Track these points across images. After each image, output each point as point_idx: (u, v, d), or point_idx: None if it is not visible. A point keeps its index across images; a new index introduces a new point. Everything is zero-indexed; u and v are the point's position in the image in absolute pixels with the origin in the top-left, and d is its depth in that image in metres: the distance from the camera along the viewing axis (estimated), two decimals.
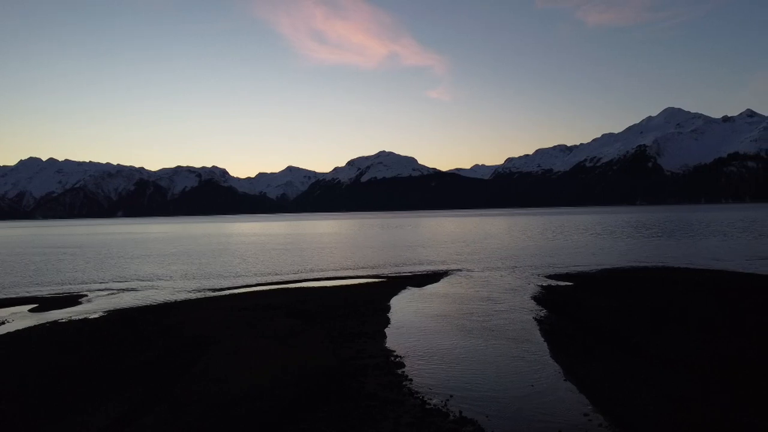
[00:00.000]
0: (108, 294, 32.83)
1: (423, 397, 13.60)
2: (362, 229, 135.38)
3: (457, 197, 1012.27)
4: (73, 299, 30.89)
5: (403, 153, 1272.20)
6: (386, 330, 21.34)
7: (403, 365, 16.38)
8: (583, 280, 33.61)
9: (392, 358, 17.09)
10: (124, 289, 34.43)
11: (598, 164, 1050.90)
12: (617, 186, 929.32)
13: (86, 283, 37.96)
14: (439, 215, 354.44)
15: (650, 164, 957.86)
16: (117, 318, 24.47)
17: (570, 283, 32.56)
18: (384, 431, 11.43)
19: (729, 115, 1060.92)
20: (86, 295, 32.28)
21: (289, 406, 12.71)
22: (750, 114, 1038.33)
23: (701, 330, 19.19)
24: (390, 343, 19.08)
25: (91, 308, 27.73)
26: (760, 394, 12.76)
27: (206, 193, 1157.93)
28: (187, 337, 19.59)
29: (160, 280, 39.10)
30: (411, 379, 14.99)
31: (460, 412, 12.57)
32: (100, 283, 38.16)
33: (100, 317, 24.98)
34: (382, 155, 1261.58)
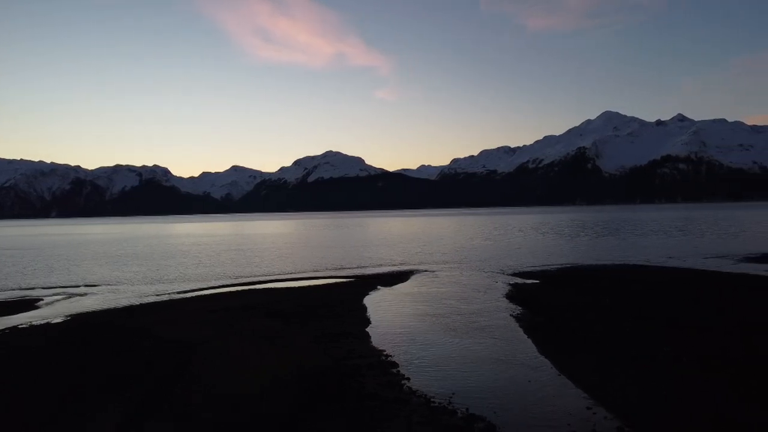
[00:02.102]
0: (66, 298, 31.36)
1: (425, 395, 13.66)
2: (314, 230, 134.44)
3: (403, 197, 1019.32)
4: (28, 303, 29.35)
5: (350, 153, 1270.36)
6: (368, 330, 21.30)
7: (396, 365, 16.39)
8: (547, 278, 34.49)
9: (383, 358, 17.08)
10: (81, 293, 32.97)
11: (540, 165, 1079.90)
12: (558, 186, 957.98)
13: (37, 288, 36.13)
14: (387, 215, 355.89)
15: (589, 165, 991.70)
16: (84, 322, 23.41)
17: (536, 281, 33.36)
18: (399, 430, 11.42)
19: (662, 119, 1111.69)
20: (42, 299, 30.71)
21: (297, 408, 12.51)
22: (681, 118, 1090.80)
23: (672, 326, 20.07)
24: (377, 343, 19.05)
25: (52, 313, 26.42)
26: (741, 383, 13.46)
27: (147, 192, 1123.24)
28: (168, 341, 18.95)
29: (118, 283, 37.67)
30: (408, 378, 15.02)
31: (467, 409, 12.70)
32: (54, 287, 36.38)
33: (65, 322, 23.85)
34: (329, 155, 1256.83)
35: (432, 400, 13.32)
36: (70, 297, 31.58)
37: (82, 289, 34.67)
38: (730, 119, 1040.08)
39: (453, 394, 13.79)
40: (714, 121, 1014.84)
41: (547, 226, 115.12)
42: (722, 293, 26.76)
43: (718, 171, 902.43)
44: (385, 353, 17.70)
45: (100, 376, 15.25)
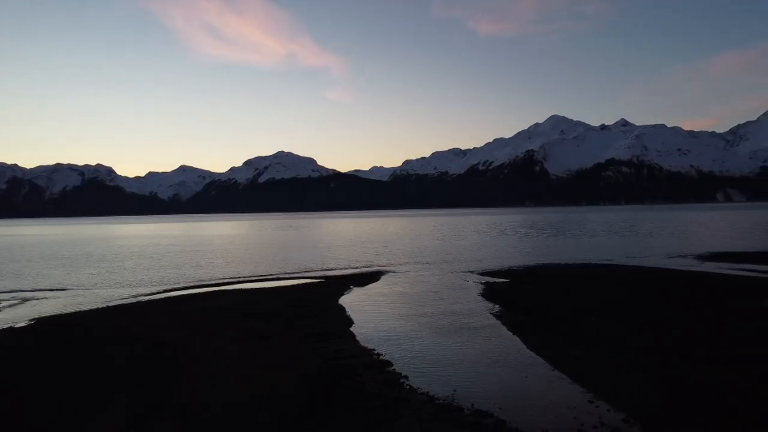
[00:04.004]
0: (23, 301, 29.88)
1: (427, 393, 13.68)
2: (269, 231, 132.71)
3: (356, 198, 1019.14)
4: None
5: (302, 154, 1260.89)
6: (353, 330, 21.17)
7: (390, 364, 16.36)
8: (515, 277, 35.12)
9: (376, 357, 17.02)
10: (40, 297, 31.49)
11: (490, 167, 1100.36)
12: (508, 188, 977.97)
13: None
14: (340, 216, 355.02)
15: (538, 168, 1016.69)
16: (54, 325, 22.37)
17: (506, 280, 33.91)
18: (411, 428, 11.40)
19: (606, 124, 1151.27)
20: None
21: (303, 408, 12.32)
22: (624, 123, 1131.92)
23: (648, 321, 20.80)
24: (365, 343, 18.96)
25: (13, 317, 25.12)
26: (731, 374, 14.08)
27: (90, 192, 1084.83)
28: (150, 343, 18.32)
29: (76, 286, 36.18)
30: (406, 377, 15.01)
31: (473, 405, 12.81)
32: (6, 291, 34.65)
33: (30, 326, 22.72)
34: (281, 155, 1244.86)
35: (435, 398, 13.36)
36: (27, 301, 30.10)
37: (40, 294, 33.08)
38: (669, 125, 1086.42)
39: (454, 391, 13.87)
40: (654, 126, 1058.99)
41: (502, 227, 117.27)
42: (691, 290, 27.89)
43: (658, 174, 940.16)
44: (375, 352, 17.64)
45: (89, 378, 14.60)
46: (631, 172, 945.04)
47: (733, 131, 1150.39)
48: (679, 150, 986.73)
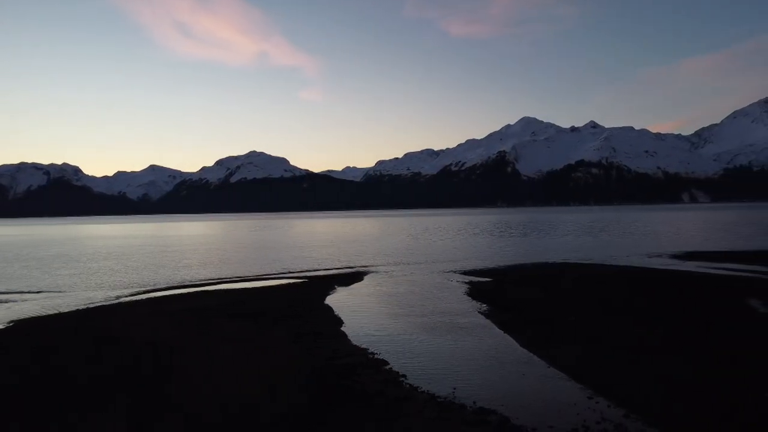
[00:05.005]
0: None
1: (428, 391, 13.71)
2: (244, 231, 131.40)
3: (329, 199, 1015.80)
4: None
5: (274, 153, 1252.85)
6: (343, 329, 21.10)
7: (386, 363, 16.35)
8: (498, 276, 35.41)
9: (371, 357, 16.99)
10: (16, 300, 30.62)
11: (462, 168, 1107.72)
12: (480, 189, 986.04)
13: None
14: (313, 216, 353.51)
15: (509, 169, 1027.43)
16: (34, 326, 21.78)
17: (489, 279, 34.18)
18: (418, 426, 11.41)
19: (576, 126, 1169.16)
20: None
21: (308, 409, 12.23)
22: (593, 125, 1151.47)
23: (636, 317, 21.20)
24: (357, 342, 18.91)
25: None
26: (721, 366, 14.44)
27: (56, 192, 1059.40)
28: (141, 344, 17.95)
29: (53, 288, 35.29)
30: (405, 376, 15.02)
31: (475, 403, 12.89)
32: None
33: (8, 328, 22.07)
34: (253, 155, 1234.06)
35: (436, 396, 13.40)
36: (2, 303, 29.24)
37: (16, 296, 32.12)
38: (636, 127, 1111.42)
39: (454, 389, 13.93)
40: (622, 128, 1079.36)
41: (477, 227, 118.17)
42: (679, 289, 28.49)
43: (626, 175, 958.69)
44: (369, 351, 17.61)
45: (87, 380, 14.25)
46: (601, 173, 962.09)
47: (698, 134, 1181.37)
48: (646, 152, 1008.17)
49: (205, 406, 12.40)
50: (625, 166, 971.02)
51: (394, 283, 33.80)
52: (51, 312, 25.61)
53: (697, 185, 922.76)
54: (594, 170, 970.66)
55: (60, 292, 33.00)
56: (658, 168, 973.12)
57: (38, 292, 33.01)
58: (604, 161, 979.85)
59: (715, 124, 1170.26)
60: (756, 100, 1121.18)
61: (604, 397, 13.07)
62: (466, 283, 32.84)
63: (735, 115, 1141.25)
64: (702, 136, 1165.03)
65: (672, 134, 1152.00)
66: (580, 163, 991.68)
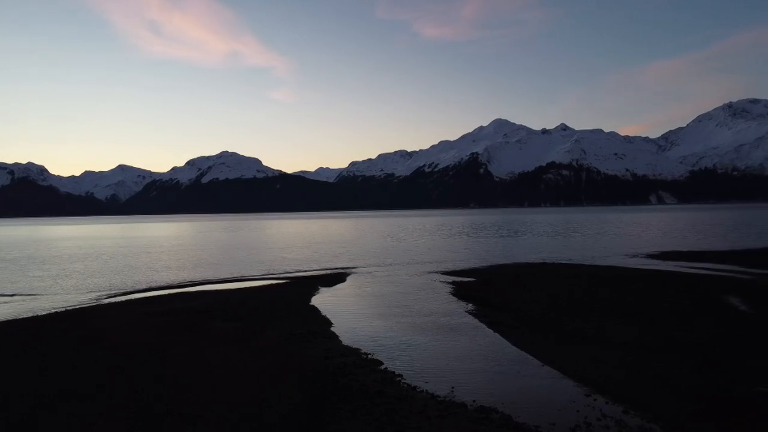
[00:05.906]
0: None
1: (427, 391, 13.75)
2: (218, 232, 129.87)
3: (302, 199, 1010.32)
4: None
5: (247, 154, 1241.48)
6: (333, 330, 21.02)
7: (381, 362, 16.33)
8: (481, 276, 35.66)
9: (365, 356, 16.95)
10: None
11: (436, 169, 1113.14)
12: (453, 190, 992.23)
13: None
14: (287, 217, 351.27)
15: (482, 170, 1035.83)
16: (20, 329, 21.14)
17: (472, 279, 34.40)
18: (423, 425, 11.42)
19: (547, 128, 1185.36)
20: None
21: (309, 409, 12.15)
22: (564, 128, 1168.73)
23: (621, 315, 21.57)
24: (349, 342, 18.86)
25: None
26: (715, 362, 14.80)
27: (21, 192, 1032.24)
28: (128, 347, 17.58)
29: (27, 291, 34.39)
30: (401, 375, 15.03)
31: (475, 401, 12.96)
32: None
33: None
34: (225, 155, 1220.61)
35: (436, 395, 13.44)
36: None
37: None
38: (606, 129, 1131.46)
39: (453, 388, 13.99)
40: (592, 131, 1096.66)
41: (453, 228, 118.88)
42: (662, 285, 29.05)
43: (596, 177, 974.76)
44: (362, 351, 17.57)
45: (84, 380, 13.90)
46: (571, 175, 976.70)
47: (665, 137, 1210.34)
48: (615, 154, 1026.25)
49: (204, 409, 12.22)
50: (595, 168, 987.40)
51: (377, 284, 33.79)
52: (26, 314, 24.91)
53: (664, 187, 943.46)
54: (564, 172, 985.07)
55: (35, 294, 32.16)
56: (627, 170, 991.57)
57: (12, 295, 32.13)
58: (574, 163, 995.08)
59: (681, 128, 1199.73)
60: (720, 104, 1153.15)
61: (602, 395, 13.27)
62: (449, 283, 33.00)
63: (700, 119, 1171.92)
64: (669, 139, 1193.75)
65: (640, 137, 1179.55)
66: (551, 165, 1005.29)
